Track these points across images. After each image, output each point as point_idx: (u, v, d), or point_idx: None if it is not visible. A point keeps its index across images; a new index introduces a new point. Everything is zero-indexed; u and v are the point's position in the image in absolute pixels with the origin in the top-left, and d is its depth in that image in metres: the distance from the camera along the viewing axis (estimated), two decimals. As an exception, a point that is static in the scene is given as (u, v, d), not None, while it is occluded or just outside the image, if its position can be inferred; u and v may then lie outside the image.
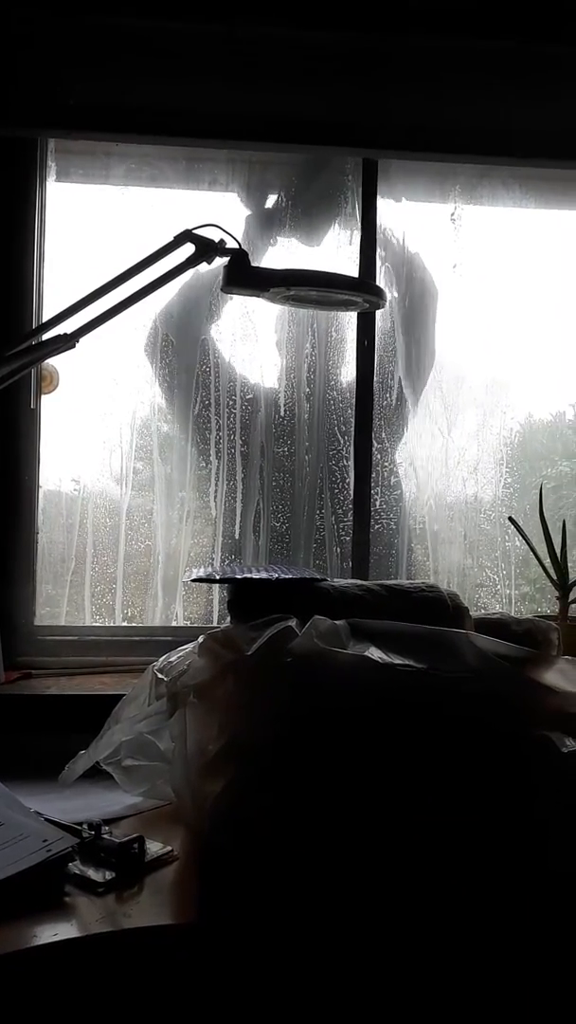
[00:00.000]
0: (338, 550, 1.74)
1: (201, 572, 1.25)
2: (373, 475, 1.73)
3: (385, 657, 0.97)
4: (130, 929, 0.88)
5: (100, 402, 1.69)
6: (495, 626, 1.19)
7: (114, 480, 1.71)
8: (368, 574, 1.71)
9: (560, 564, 1.60)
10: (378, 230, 1.72)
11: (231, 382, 1.72)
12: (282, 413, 1.74)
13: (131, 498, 1.71)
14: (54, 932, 0.87)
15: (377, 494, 1.75)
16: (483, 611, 1.60)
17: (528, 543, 1.63)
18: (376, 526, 1.74)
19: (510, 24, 1.60)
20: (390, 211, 1.73)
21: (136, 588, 1.70)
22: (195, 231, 1.33)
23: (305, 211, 1.73)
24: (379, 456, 1.75)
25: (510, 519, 1.67)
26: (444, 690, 0.97)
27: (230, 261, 1.35)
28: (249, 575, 1.19)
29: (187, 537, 1.72)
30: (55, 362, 1.62)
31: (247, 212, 1.71)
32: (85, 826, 1.03)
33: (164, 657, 1.17)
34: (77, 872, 0.97)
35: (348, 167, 1.72)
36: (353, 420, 1.73)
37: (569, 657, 1.13)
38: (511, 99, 1.65)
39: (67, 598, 1.68)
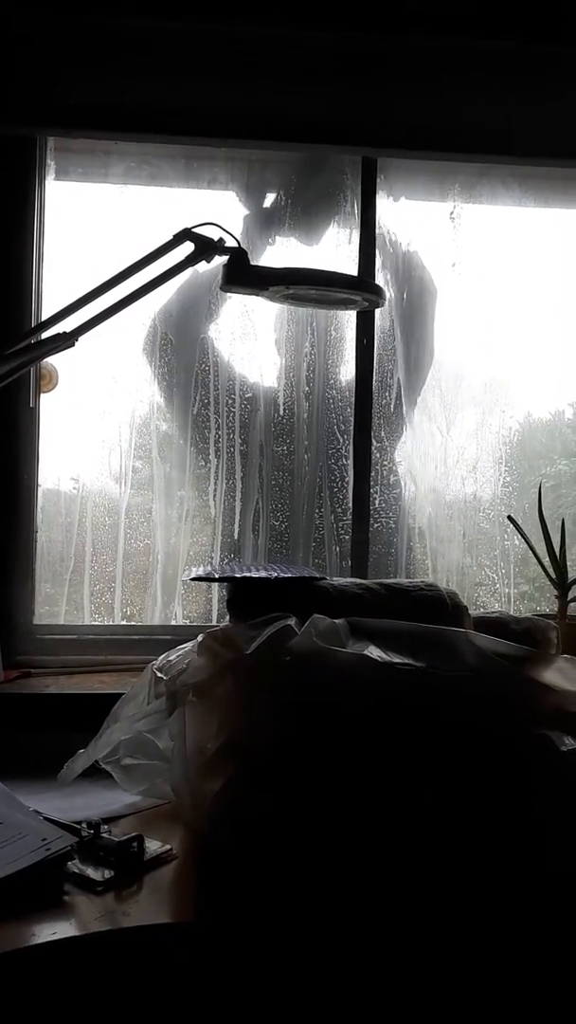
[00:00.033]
0: (337, 549, 1.74)
1: (200, 571, 1.25)
2: (372, 474, 1.73)
3: (384, 656, 0.97)
4: (129, 928, 0.88)
5: (99, 401, 1.69)
6: (494, 625, 1.19)
7: (113, 479, 1.71)
8: (367, 573, 1.71)
9: (559, 563, 1.60)
10: (377, 229, 1.72)
11: (230, 381, 1.72)
12: (281, 412, 1.74)
13: (130, 497, 1.71)
14: (53, 931, 0.87)
15: (376, 493, 1.75)
16: (482, 610, 1.60)
17: (527, 542, 1.63)
18: (375, 525, 1.74)
19: (510, 24, 1.60)
20: (389, 210, 1.73)
21: (135, 587, 1.70)
22: (194, 229, 1.33)
23: (304, 210, 1.73)
24: (378, 455, 1.75)
25: (509, 518, 1.67)
26: (443, 689, 0.97)
27: (229, 259, 1.35)
28: (248, 574, 1.19)
29: (186, 536, 1.72)
30: (54, 361, 1.62)
31: (245, 212, 1.71)
32: (84, 825, 1.03)
33: (163, 656, 1.17)
34: (76, 871, 0.97)
35: (347, 166, 1.71)
36: (352, 419, 1.73)
37: (568, 656, 1.13)
38: (511, 99, 1.65)
39: (66, 597, 1.68)
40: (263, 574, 1.19)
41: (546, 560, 1.60)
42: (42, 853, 0.94)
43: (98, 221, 1.67)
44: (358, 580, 1.24)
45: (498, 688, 0.99)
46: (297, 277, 1.35)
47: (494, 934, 0.91)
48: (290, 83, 1.60)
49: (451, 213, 1.77)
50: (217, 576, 1.21)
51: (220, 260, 1.36)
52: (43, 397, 1.64)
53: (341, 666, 0.97)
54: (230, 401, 1.72)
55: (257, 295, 1.38)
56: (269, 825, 0.92)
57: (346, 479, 1.74)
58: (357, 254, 1.71)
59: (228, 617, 1.16)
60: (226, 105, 1.59)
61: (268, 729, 0.96)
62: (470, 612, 1.19)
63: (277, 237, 1.73)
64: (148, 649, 1.55)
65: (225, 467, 1.72)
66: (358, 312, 1.69)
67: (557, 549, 1.60)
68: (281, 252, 1.73)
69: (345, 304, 1.46)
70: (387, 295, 1.59)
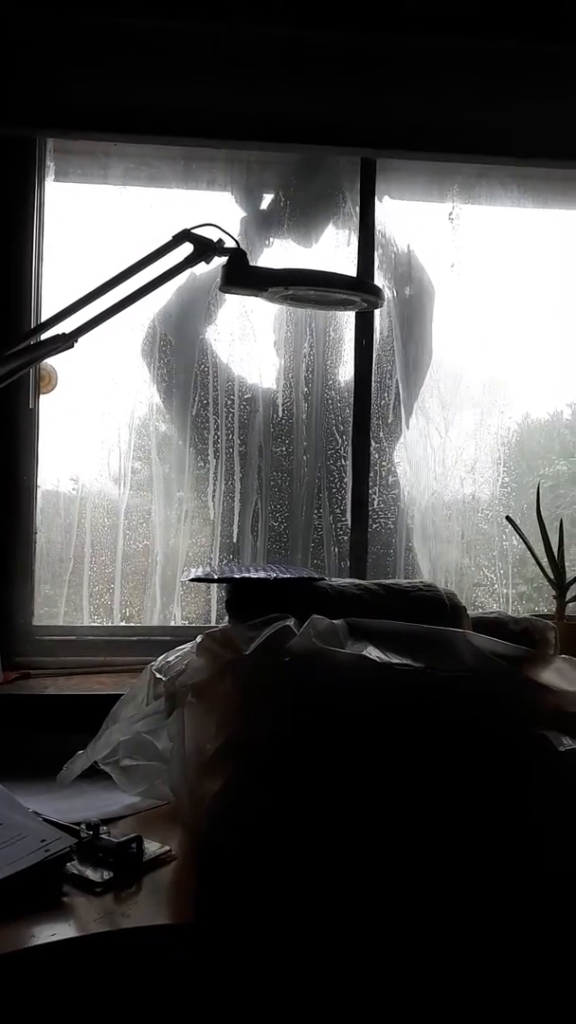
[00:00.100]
0: (336, 549, 1.74)
1: (199, 572, 1.25)
2: (371, 475, 1.73)
3: (383, 656, 0.98)
4: (128, 929, 0.89)
5: (98, 402, 1.69)
6: (492, 625, 1.19)
7: (112, 480, 1.71)
8: (366, 573, 1.71)
9: (557, 563, 1.60)
10: (376, 230, 1.72)
11: (229, 382, 1.72)
12: (280, 413, 1.74)
13: (129, 498, 1.71)
14: (52, 932, 0.87)
15: (375, 493, 1.75)
16: (481, 610, 1.60)
17: (525, 542, 1.63)
18: (374, 525, 1.74)
19: (510, 24, 1.60)
20: (388, 210, 1.73)
21: (134, 588, 1.70)
22: (193, 230, 1.34)
23: (302, 211, 1.73)
24: (377, 456, 1.75)
25: (507, 518, 1.67)
26: (442, 689, 0.97)
27: (228, 260, 1.35)
28: (247, 574, 1.19)
29: (185, 537, 1.72)
30: (53, 362, 1.62)
31: (243, 213, 1.71)
32: (83, 826, 1.03)
33: (162, 657, 1.17)
34: (75, 872, 0.97)
35: (346, 166, 1.71)
36: (351, 420, 1.73)
37: (566, 656, 1.13)
38: (511, 99, 1.65)
39: (65, 598, 1.68)
40: (262, 575, 1.19)
41: (544, 560, 1.60)
42: (41, 854, 0.94)
43: (97, 222, 1.67)
44: (357, 581, 1.24)
45: (496, 688, 0.99)
46: (296, 278, 1.36)
47: (493, 933, 0.91)
48: (290, 83, 1.60)
49: (450, 214, 1.77)
50: (216, 577, 1.21)
51: (219, 261, 1.36)
52: (42, 398, 1.64)
53: (340, 666, 0.97)
54: (229, 402, 1.72)
55: (256, 296, 1.38)
56: (268, 825, 0.92)
57: (345, 480, 1.74)
58: (356, 255, 1.71)
59: (227, 618, 1.16)
60: (226, 105, 1.59)
61: (267, 730, 0.96)
62: (468, 612, 1.19)
63: (274, 239, 1.73)
64: (147, 650, 1.55)
65: (224, 468, 1.72)
66: (357, 313, 1.68)
67: (555, 549, 1.60)
68: (279, 253, 1.73)
69: (344, 305, 1.46)
70: (386, 296, 1.59)
